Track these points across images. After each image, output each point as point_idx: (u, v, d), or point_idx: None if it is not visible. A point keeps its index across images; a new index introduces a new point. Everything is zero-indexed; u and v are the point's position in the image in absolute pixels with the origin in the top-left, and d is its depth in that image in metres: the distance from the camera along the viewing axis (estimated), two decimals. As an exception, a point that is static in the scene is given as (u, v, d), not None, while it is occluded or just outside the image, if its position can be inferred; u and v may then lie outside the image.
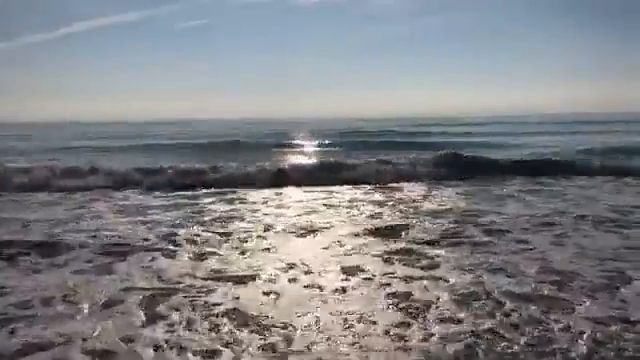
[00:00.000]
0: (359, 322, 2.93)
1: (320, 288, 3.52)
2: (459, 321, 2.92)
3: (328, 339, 2.72)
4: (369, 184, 8.43)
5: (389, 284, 3.59)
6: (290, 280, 3.71)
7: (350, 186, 8.27)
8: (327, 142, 19.26)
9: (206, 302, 3.27)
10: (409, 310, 3.10)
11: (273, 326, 2.89)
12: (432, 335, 2.75)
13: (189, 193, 7.65)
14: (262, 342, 2.69)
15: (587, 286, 3.45)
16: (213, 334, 2.80)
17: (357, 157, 11.04)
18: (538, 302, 3.18)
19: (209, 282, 3.67)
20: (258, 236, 5.00)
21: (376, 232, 5.09)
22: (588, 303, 3.15)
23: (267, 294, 3.42)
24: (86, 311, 3.13)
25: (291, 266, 4.02)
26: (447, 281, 3.62)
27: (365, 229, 5.20)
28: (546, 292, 3.35)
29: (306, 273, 3.86)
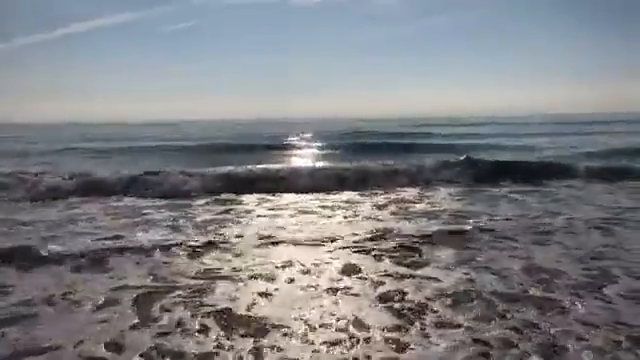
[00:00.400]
0: (354, 322, 2.94)
1: (315, 288, 3.53)
2: (453, 321, 2.94)
3: (323, 342, 2.71)
4: (367, 188, 8.20)
5: (383, 283, 3.62)
6: (285, 280, 3.72)
7: (347, 190, 8.07)
8: (327, 144, 19.09)
9: (200, 302, 3.28)
10: (402, 311, 3.11)
11: (268, 328, 2.89)
12: (427, 336, 2.76)
13: (181, 196, 7.56)
14: (256, 345, 2.68)
15: (573, 285, 3.51)
16: (206, 337, 2.79)
17: (357, 160, 10.97)
18: (527, 302, 3.20)
19: (203, 282, 3.68)
20: (252, 237, 4.99)
21: (371, 233, 5.08)
22: (577, 303, 3.17)
23: (262, 295, 3.42)
24: (80, 313, 3.13)
25: (286, 266, 4.04)
26: (440, 281, 3.66)
27: (360, 230, 5.21)
28: (537, 293, 3.38)
29: (302, 273, 3.88)
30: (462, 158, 9.77)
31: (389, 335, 2.77)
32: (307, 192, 7.86)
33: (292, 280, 3.73)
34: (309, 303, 3.25)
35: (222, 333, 2.82)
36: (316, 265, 4.07)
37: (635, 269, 3.84)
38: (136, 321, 2.98)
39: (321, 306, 3.20)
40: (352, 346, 2.65)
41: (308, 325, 2.91)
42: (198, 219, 5.91)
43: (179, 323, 2.95)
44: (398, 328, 2.86)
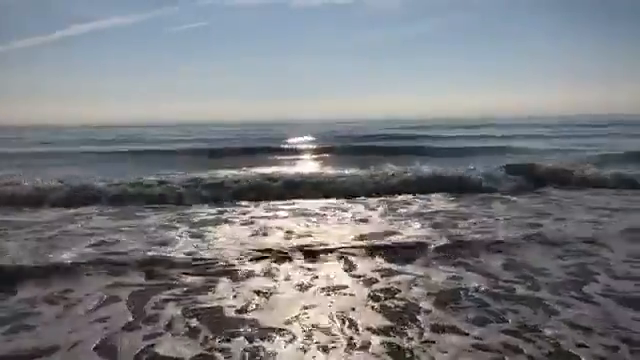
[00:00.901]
0: (349, 324, 2.95)
1: (309, 287, 3.58)
2: (450, 324, 2.97)
3: (317, 343, 2.72)
4: (366, 193, 7.89)
5: (377, 281, 3.70)
6: (280, 280, 3.75)
7: (345, 194, 7.80)
8: (326, 148, 18.85)
9: (194, 301, 3.33)
10: (396, 312, 3.13)
11: (261, 329, 2.89)
12: (422, 336, 2.79)
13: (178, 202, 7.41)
14: (248, 346, 2.68)
15: (556, 283, 3.62)
16: (198, 338, 2.79)
17: (356, 164, 10.87)
18: (517, 302, 3.25)
19: (198, 279, 3.75)
20: (246, 237, 5.04)
21: (366, 234, 5.11)
22: (563, 303, 3.24)
23: (256, 293, 3.47)
24: (76, 314, 3.17)
25: (280, 266, 4.09)
26: (431, 279, 3.73)
27: (355, 231, 5.25)
28: (523, 291, 3.46)
29: (297, 270, 3.96)
30: (468, 167, 9.35)
31: (385, 339, 2.76)
32: (302, 198, 7.63)
33: (290, 278, 3.79)
34: (304, 302, 3.28)
35: (214, 334, 2.83)
36: (311, 263, 4.13)
37: (614, 268, 3.96)
38: (130, 321, 3.02)
39: (317, 305, 3.23)
40: (348, 349, 2.64)
41: (302, 325, 2.93)
42: (194, 220, 5.95)
43: (171, 324, 2.96)
44: (394, 331, 2.86)
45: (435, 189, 8.02)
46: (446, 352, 2.61)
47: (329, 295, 3.43)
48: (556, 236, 4.96)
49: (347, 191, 7.89)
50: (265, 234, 5.19)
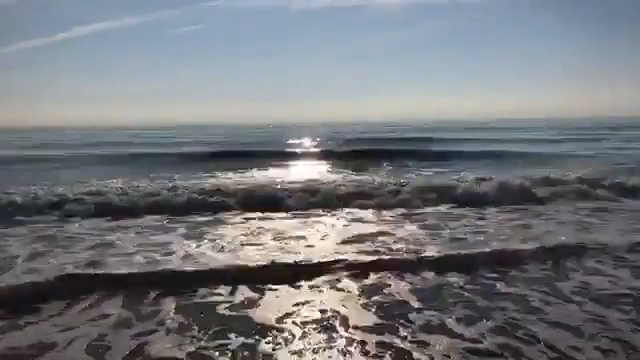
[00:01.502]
0: (342, 322, 3.01)
1: (302, 286, 3.66)
2: (440, 323, 3.04)
3: (313, 342, 2.76)
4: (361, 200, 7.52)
5: (369, 277, 3.84)
6: (274, 279, 3.80)
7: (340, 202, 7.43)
8: (326, 150, 18.76)
9: (191, 298, 3.42)
10: (386, 309, 3.22)
11: (257, 326, 2.96)
12: (415, 333, 2.86)
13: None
14: (244, 343, 2.73)
15: (534, 279, 3.79)
16: (191, 336, 2.84)
17: (357, 167, 10.80)
18: (500, 299, 3.37)
19: (194, 279, 3.82)
20: (242, 237, 5.16)
21: (359, 236, 5.21)
22: (544, 300, 3.35)
23: (252, 291, 3.55)
24: (74, 312, 3.24)
25: (275, 264, 4.15)
26: (419, 277, 3.85)
27: (349, 233, 5.34)
28: (502, 288, 3.60)
29: (290, 270, 4.03)
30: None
31: (379, 338, 2.80)
32: (297, 204, 7.21)
33: (287, 276, 3.86)
34: (299, 300, 3.38)
35: (209, 332, 2.88)
36: (306, 262, 4.21)
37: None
38: (126, 318, 3.10)
39: (312, 303, 3.32)
40: (342, 347, 2.69)
41: (296, 324, 2.99)
42: (189, 224, 5.97)
43: (163, 322, 3.04)
44: (385, 328, 2.92)
45: (433, 196, 7.93)
46: (439, 350, 2.66)
47: (321, 293, 3.51)
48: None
49: (343, 196, 7.80)
50: (259, 236, 5.26)
